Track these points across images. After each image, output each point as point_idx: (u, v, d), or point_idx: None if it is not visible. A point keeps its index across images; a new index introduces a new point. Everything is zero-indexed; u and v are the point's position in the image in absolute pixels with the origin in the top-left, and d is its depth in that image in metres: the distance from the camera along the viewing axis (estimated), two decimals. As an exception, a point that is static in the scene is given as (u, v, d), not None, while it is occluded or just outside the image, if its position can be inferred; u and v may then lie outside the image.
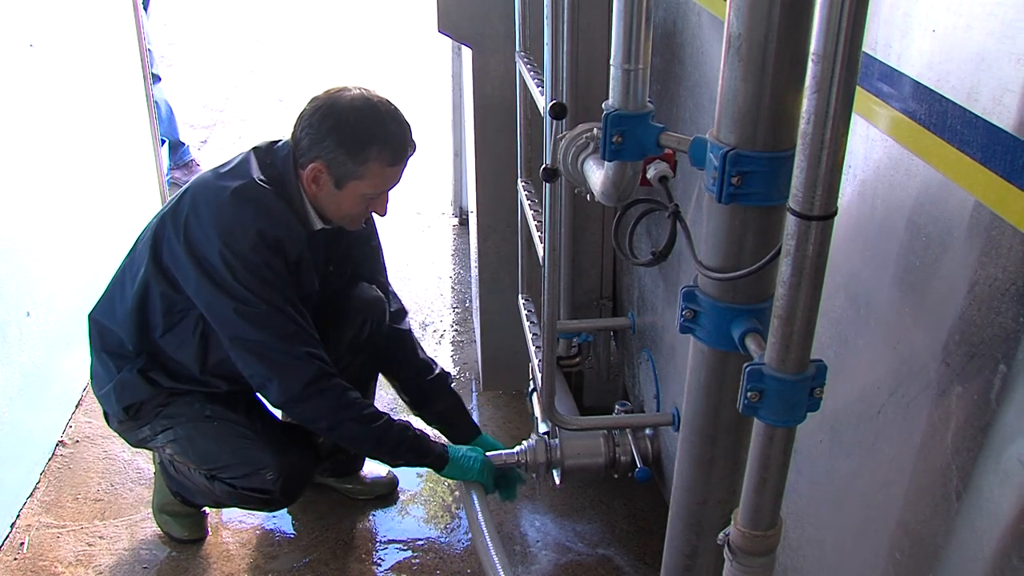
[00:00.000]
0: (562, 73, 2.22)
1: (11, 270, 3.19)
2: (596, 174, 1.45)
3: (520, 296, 3.11)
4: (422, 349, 3.12)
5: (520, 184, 3.00)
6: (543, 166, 1.98)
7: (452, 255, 4.99)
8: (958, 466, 1.27)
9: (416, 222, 5.29)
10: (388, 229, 5.06)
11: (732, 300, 1.22)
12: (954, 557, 1.29)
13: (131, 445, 2.99)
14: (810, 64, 0.94)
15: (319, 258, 2.76)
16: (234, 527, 3.15)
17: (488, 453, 2.85)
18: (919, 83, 1.29)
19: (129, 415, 2.83)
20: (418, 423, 2.94)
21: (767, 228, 1.18)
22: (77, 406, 3.70)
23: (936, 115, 1.26)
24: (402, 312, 3.17)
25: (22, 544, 3.03)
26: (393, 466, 3.14)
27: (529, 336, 2.89)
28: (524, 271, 3.10)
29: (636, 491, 3.18)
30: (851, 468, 1.60)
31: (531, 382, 3.08)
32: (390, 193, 2.70)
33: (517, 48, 2.85)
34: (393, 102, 2.62)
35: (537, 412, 2.92)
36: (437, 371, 3.08)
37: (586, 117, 1.75)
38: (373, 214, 2.82)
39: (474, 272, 3.86)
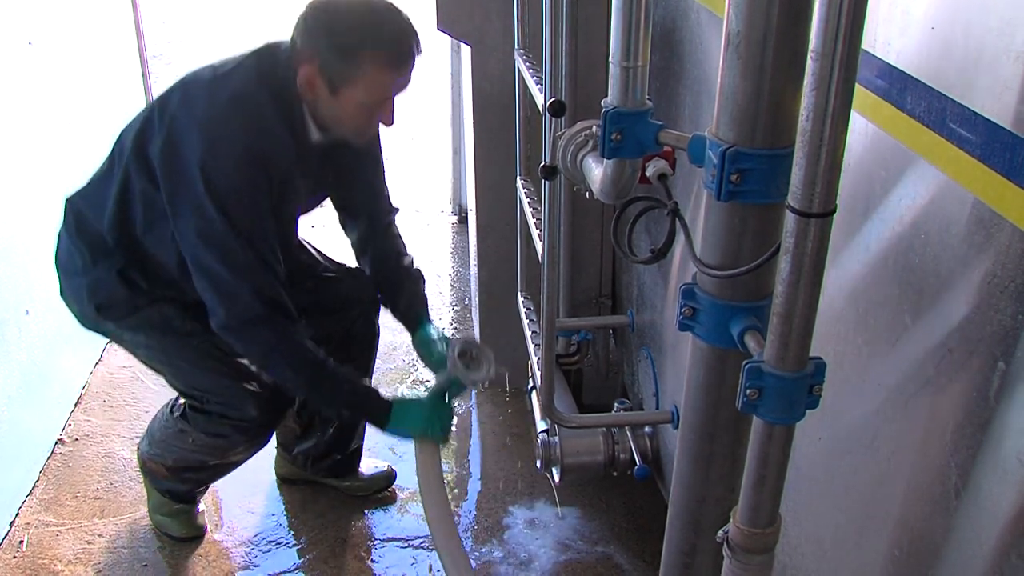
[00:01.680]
0: (561, 71, 2.22)
1: (10, 269, 3.19)
2: (595, 172, 1.45)
3: (519, 294, 3.11)
4: (403, 244, 3.00)
5: (519, 182, 3.00)
6: (542, 164, 1.98)
7: (451, 253, 4.99)
8: (957, 464, 1.27)
9: (415, 220, 5.28)
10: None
11: (731, 298, 1.22)
12: (953, 555, 1.29)
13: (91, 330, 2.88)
14: (809, 61, 0.94)
15: (314, 170, 2.60)
16: (232, 525, 3.15)
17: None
18: (917, 79, 1.29)
19: (99, 313, 2.70)
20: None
21: (766, 225, 1.18)
22: (76, 404, 3.70)
23: (935, 112, 1.26)
24: (393, 213, 3.00)
25: (21, 542, 3.02)
26: (338, 417, 3.09)
27: (528, 334, 2.89)
28: (523, 269, 3.10)
29: (635, 489, 3.17)
30: (850, 466, 1.60)
31: (530, 380, 3.08)
32: (398, 102, 2.48)
33: (516, 46, 2.85)
34: (398, 5, 2.42)
35: (536, 410, 2.92)
36: (405, 261, 2.96)
37: (585, 114, 1.75)
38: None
39: (473, 270, 3.86)
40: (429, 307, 2.98)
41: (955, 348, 1.26)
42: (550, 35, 2.18)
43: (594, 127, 1.50)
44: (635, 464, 2.77)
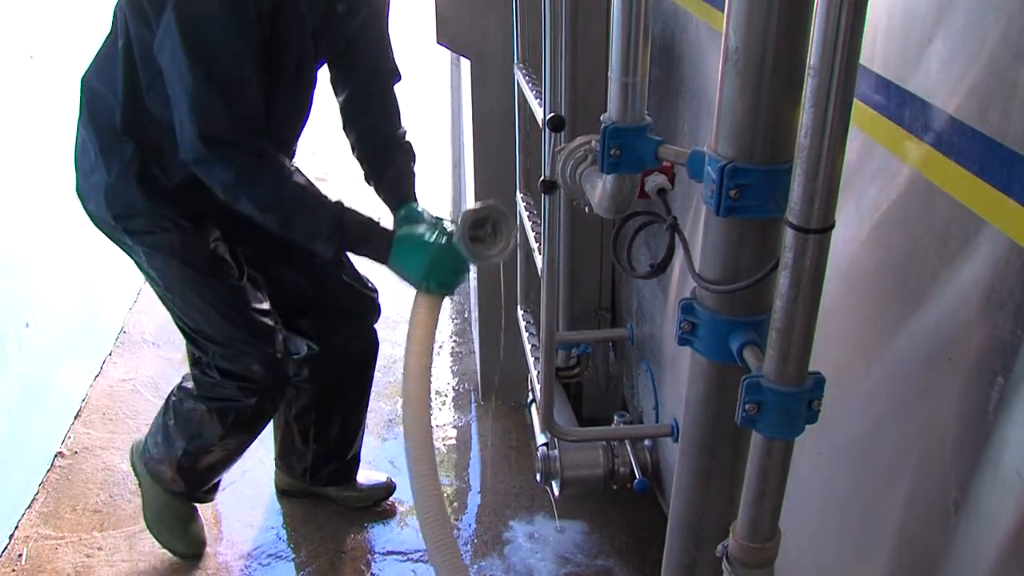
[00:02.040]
0: (561, 85, 2.22)
1: (10, 282, 3.20)
2: (594, 187, 1.45)
3: (519, 307, 3.11)
4: (399, 115, 2.81)
5: (518, 196, 3.00)
6: (541, 178, 1.99)
7: (451, 266, 4.98)
8: (956, 477, 1.27)
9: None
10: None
11: (730, 312, 1.23)
12: (953, 568, 1.29)
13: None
14: (807, 78, 0.95)
15: (313, 15, 2.45)
16: (232, 538, 3.15)
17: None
18: (915, 95, 1.30)
19: (117, 222, 2.60)
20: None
21: (765, 240, 1.18)
22: (76, 417, 3.70)
23: (931, 127, 1.26)
24: (393, 77, 2.81)
25: (20, 555, 3.02)
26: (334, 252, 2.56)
27: (528, 348, 2.89)
28: (523, 283, 3.10)
29: (635, 502, 3.17)
30: (850, 479, 1.60)
31: (530, 393, 3.08)
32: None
33: (516, 60, 2.86)
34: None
35: (536, 423, 2.92)
36: (399, 133, 2.77)
37: (585, 128, 1.76)
38: None
39: (472, 283, 3.86)
40: (417, 187, 2.74)
41: (953, 362, 1.27)
42: (550, 50, 2.19)
43: (593, 142, 1.51)
44: (635, 477, 2.77)
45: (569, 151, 1.55)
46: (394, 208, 2.65)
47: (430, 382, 2.45)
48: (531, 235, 2.78)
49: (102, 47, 2.56)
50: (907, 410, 1.40)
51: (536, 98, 2.53)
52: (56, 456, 3.48)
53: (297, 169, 2.40)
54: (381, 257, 2.40)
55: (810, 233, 1.00)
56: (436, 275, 2.37)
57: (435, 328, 2.42)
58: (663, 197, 1.44)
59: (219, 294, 2.65)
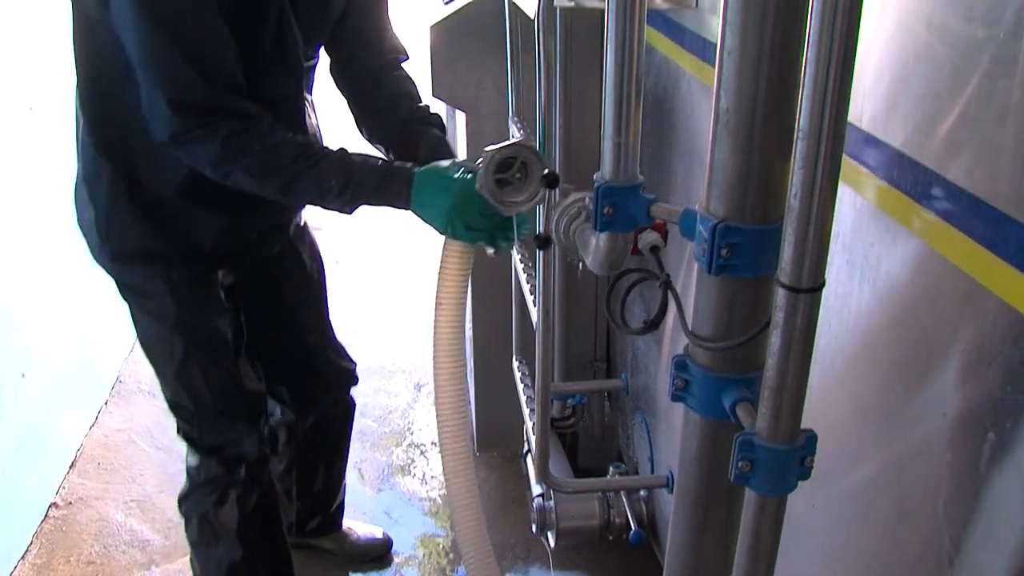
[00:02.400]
0: (555, 140, 2.24)
1: (6, 332, 3.21)
2: (588, 244, 1.47)
3: (514, 359, 3.12)
4: (417, 90, 2.48)
5: (514, 247, 3.02)
6: (537, 233, 2.00)
7: (447, 316, 4.98)
8: (950, 533, 1.28)
9: (411, 282, 5.30)
10: (382, 290, 5.09)
11: (723, 369, 1.23)
12: (947, 624, 1.29)
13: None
14: (796, 140, 0.96)
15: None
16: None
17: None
18: (903, 153, 1.32)
19: (115, 262, 2.38)
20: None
21: (757, 298, 1.19)
22: (71, 467, 3.70)
23: (920, 186, 1.28)
24: (402, 55, 2.50)
25: (14, 608, 3.01)
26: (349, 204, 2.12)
27: (523, 399, 2.89)
28: (518, 334, 3.11)
29: (631, 553, 3.15)
30: (845, 533, 1.60)
31: (526, 444, 3.08)
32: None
33: (511, 114, 2.88)
34: None
35: (532, 474, 2.92)
36: (421, 106, 2.43)
37: (579, 179, 1.76)
38: None
39: (468, 332, 3.87)
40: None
41: (945, 418, 1.28)
42: (543, 106, 2.21)
43: (587, 199, 1.52)
44: (631, 528, 2.76)
45: (563, 208, 1.57)
46: None
47: (463, 346, 2.21)
48: (525, 287, 2.80)
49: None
50: (902, 465, 1.40)
51: (531, 152, 2.55)
52: (50, 507, 3.47)
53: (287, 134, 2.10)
54: (402, 201, 2.04)
55: (801, 292, 1.01)
56: (463, 216, 1.99)
57: (467, 282, 2.15)
58: (656, 254, 1.45)
59: (212, 370, 2.49)
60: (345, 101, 2.48)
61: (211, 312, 2.43)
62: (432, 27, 3.12)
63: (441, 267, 2.12)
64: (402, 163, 2.08)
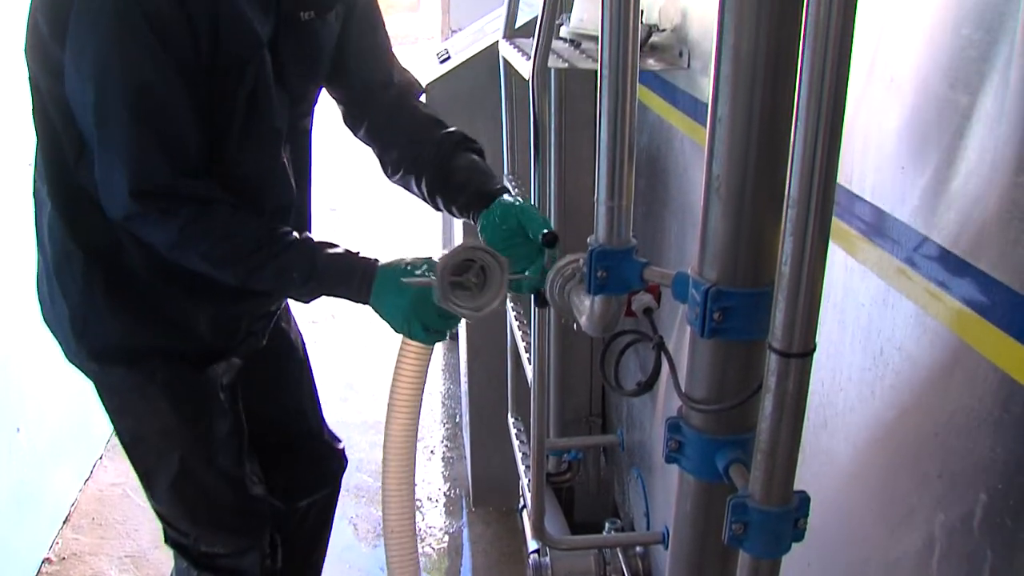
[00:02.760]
0: (549, 199, 2.27)
1: (2, 386, 3.21)
2: (582, 306, 1.48)
3: (509, 415, 3.13)
4: (439, 118, 2.26)
5: (509, 304, 3.03)
6: (535, 292, 2.00)
7: (442, 371, 5.00)
8: (943, 594, 1.28)
9: (406, 336, 5.30)
10: (377, 344, 5.10)
11: (716, 431, 1.24)
12: None
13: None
14: (786, 208, 0.98)
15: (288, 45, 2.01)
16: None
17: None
18: (891, 215, 1.34)
19: (92, 360, 2.16)
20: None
21: (750, 361, 1.21)
22: (65, 522, 3.68)
23: (909, 248, 1.30)
24: (416, 89, 2.34)
25: (6, 667, 2.99)
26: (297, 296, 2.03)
27: (519, 455, 2.89)
28: (513, 391, 3.12)
29: (627, 610, 3.15)
30: (839, 593, 1.61)
31: (521, 499, 3.08)
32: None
33: (505, 172, 2.91)
34: None
35: (527, 530, 2.91)
36: (449, 130, 2.20)
37: (575, 236, 1.76)
38: None
39: (463, 389, 3.88)
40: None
41: (937, 479, 1.29)
42: (538, 165, 2.23)
43: (580, 261, 1.54)
44: (627, 585, 2.76)
45: (557, 269, 1.58)
46: (481, 207, 2.05)
47: (415, 447, 2.10)
48: (520, 344, 2.81)
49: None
50: (893, 523, 1.41)
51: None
52: (44, 562, 3.45)
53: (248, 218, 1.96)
54: (363, 297, 1.92)
55: (792, 357, 1.02)
56: (421, 318, 1.89)
57: (423, 381, 2.04)
58: (649, 316, 1.47)
59: (211, 482, 2.25)
60: (367, 146, 2.30)
61: (209, 416, 2.21)
62: (428, 85, 3.15)
63: (397, 366, 1.99)
64: (367, 257, 1.93)
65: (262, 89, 1.97)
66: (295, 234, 1.94)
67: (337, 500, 2.78)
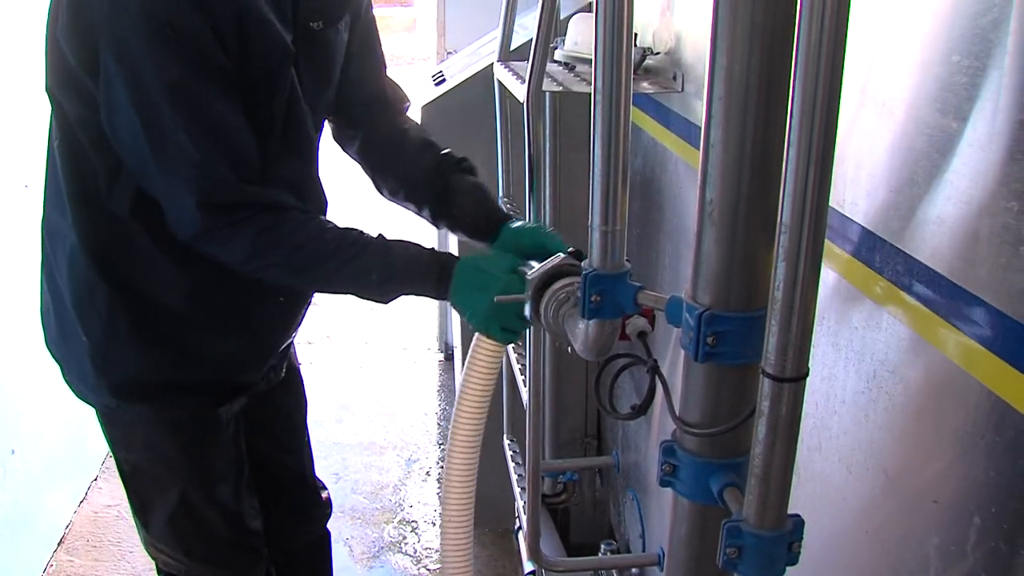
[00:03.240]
0: (545, 221, 2.27)
1: (-3, 409, 3.20)
2: (576, 330, 1.49)
3: (504, 436, 3.13)
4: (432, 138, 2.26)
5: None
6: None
7: (438, 391, 4.99)
8: (938, 617, 1.28)
9: (402, 357, 5.31)
10: (373, 365, 5.10)
11: (711, 455, 1.25)
12: None
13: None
14: (778, 234, 0.99)
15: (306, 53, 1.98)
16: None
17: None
18: (883, 239, 1.35)
19: (112, 394, 2.08)
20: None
21: (743, 385, 1.21)
22: (59, 544, 3.66)
23: (901, 271, 1.31)
24: (407, 103, 2.32)
25: None
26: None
27: (514, 477, 2.89)
28: (508, 412, 3.12)
29: (623, 632, 3.15)
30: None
31: (517, 520, 3.07)
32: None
33: (500, 193, 2.91)
34: None
35: (523, 551, 2.91)
36: (444, 152, 2.20)
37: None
38: None
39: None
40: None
41: (931, 502, 1.29)
42: (533, 188, 2.24)
43: (575, 285, 1.54)
44: (622, 607, 2.76)
45: (551, 293, 1.59)
46: (487, 236, 2.08)
47: (479, 443, 2.02)
48: (515, 366, 2.81)
49: (46, 170, 2.03)
50: (889, 544, 1.41)
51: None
52: (38, 586, 3.45)
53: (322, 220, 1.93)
54: (443, 292, 1.89)
55: (785, 382, 1.03)
56: (500, 319, 1.84)
57: (494, 380, 1.99)
58: (643, 340, 1.47)
59: (210, 517, 2.21)
60: (358, 163, 2.28)
61: (214, 451, 2.18)
62: (423, 107, 3.17)
63: (470, 363, 1.95)
64: (444, 252, 1.92)
65: (294, 97, 1.96)
66: (369, 233, 1.91)
67: (331, 548, 2.73)
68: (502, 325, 1.85)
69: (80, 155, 1.91)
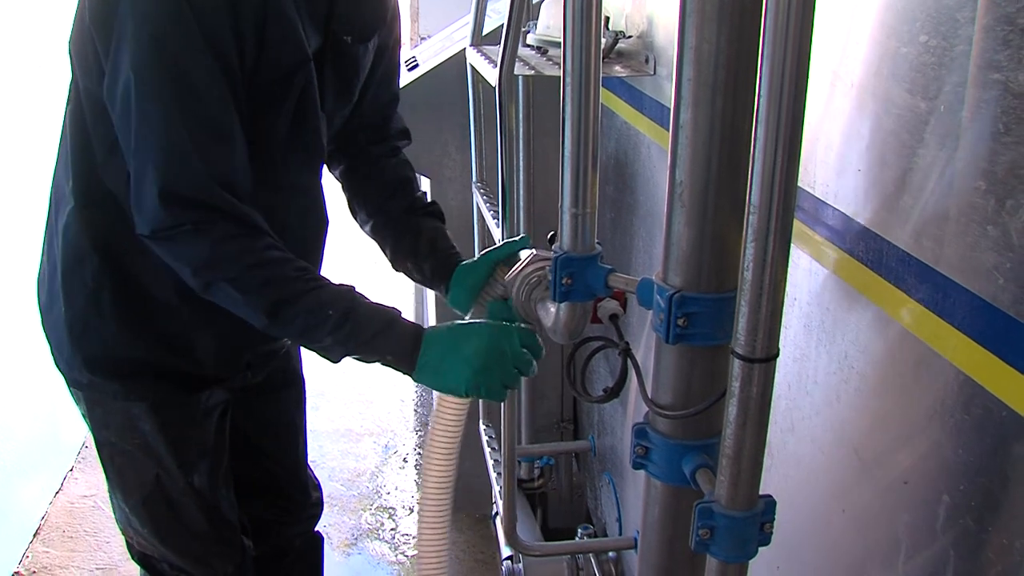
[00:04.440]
0: (518, 206, 2.27)
1: (-30, 402, 3.19)
2: (548, 313, 1.49)
3: (480, 422, 3.13)
4: (416, 177, 2.24)
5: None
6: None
7: (415, 377, 4.98)
8: (910, 595, 1.29)
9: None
10: (350, 351, 5.08)
11: (683, 437, 1.25)
12: None
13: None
14: (748, 214, 0.99)
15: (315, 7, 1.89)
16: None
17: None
18: (854, 220, 1.35)
19: (87, 368, 2.03)
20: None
21: (714, 366, 1.21)
22: (35, 535, 3.65)
23: (871, 252, 1.31)
24: (405, 138, 2.26)
25: None
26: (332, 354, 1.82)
27: (490, 463, 2.89)
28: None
29: (601, 615, 3.16)
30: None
31: (494, 506, 3.08)
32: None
33: (474, 179, 2.91)
34: None
35: (500, 536, 2.91)
36: (419, 193, 2.17)
37: (544, 243, 1.76)
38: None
39: (436, 395, 3.87)
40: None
41: (901, 480, 1.30)
42: (505, 172, 2.23)
43: (546, 268, 1.54)
44: (600, 590, 2.77)
45: (523, 277, 1.58)
46: (444, 281, 2.01)
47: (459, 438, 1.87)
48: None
49: (61, 132, 1.98)
50: (861, 522, 1.42)
51: (493, 218, 2.57)
52: (13, 576, 3.43)
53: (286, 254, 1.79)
54: (404, 363, 1.76)
55: (755, 363, 1.03)
56: (486, 384, 1.71)
57: (461, 431, 1.84)
58: (615, 322, 1.47)
59: (184, 503, 2.15)
60: (339, 182, 2.24)
61: (192, 440, 2.13)
62: (396, 93, 3.15)
63: (435, 421, 1.83)
64: (408, 321, 1.78)
65: (309, 102, 1.89)
66: (336, 282, 1.78)
67: (323, 551, 2.70)
68: (487, 389, 1.72)
69: (83, 123, 1.86)
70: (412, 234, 2.08)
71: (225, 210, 1.71)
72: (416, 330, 1.74)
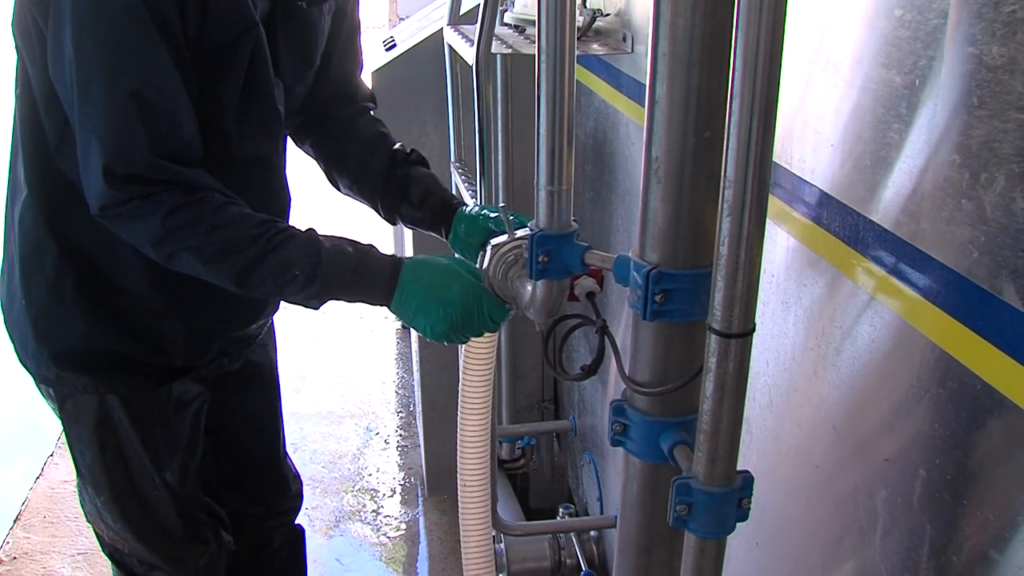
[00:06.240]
0: (496, 185, 2.26)
1: (-53, 387, 3.17)
2: (525, 291, 1.48)
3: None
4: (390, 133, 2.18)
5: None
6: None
7: (395, 359, 4.99)
8: (887, 568, 1.29)
9: (359, 326, 5.29)
10: (331, 334, 5.07)
11: (661, 413, 1.25)
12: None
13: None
14: (723, 189, 0.98)
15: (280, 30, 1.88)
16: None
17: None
18: (831, 196, 1.35)
19: (55, 362, 1.98)
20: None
21: (692, 342, 1.21)
22: (15, 521, 3.63)
23: (848, 227, 1.31)
24: (372, 100, 2.24)
25: (-44, 669, 2.95)
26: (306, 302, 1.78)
27: (471, 442, 2.89)
28: (465, 376, 3.12)
29: (583, 593, 3.16)
30: (787, 570, 1.62)
31: (475, 486, 3.08)
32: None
33: (451, 158, 2.90)
34: None
35: (482, 517, 2.92)
36: (399, 145, 2.13)
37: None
38: None
39: (416, 378, 3.87)
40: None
41: (878, 455, 1.30)
42: (483, 152, 2.23)
43: (523, 246, 1.54)
44: (582, 569, 2.77)
45: (499, 255, 1.58)
46: (446, 222, 1.98)
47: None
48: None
49: (12, 119, 1.91)
50: (838, 500, 1.42)
51: (472, 197, 2.57)
52: (-6, 563, 3.42)
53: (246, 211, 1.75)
54: (380, 301, 1.75)
55: (732, 338, 1.03)
56: (466, 327, 1.70)
57: (492, 369, 1.83)
58: (592, 300, 1.47)
59: (156, 498, 2.12)
60: (312, 157, 2.21)
61: (164, 432, 2.10)
62: (374, 72, 3.14)
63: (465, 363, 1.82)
64: (382, 254, 1.75)
65: (260, 68, 1.83)
66: (298, 228, 1.74)
67: (301, 540, 2.68)
68: (471, 330, 1.72)
69: (33, 107, 1.81)
70: (403, 185, 2.04)
71: (171, 181, 1.68)
72: (389, 269, 1.72)
